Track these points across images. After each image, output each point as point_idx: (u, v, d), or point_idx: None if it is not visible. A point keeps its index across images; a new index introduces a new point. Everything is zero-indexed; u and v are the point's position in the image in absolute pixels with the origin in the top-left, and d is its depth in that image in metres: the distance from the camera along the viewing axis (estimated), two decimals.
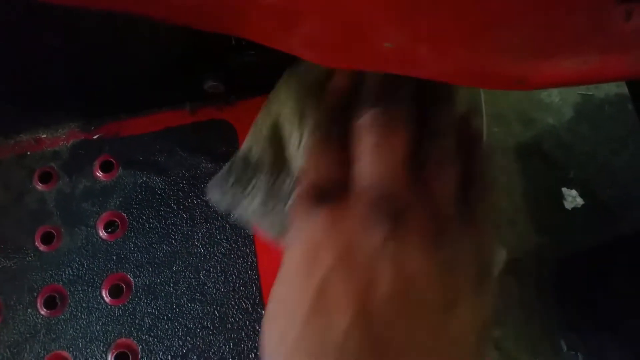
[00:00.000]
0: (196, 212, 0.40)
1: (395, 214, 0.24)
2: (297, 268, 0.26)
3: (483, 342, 0.26)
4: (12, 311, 0.37)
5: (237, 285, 0.38)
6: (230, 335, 0.37)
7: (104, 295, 0.38)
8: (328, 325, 0.23)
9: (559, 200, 0.62)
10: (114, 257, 0.39)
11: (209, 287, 0.38)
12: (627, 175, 0.63)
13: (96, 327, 0.37)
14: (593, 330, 0.54)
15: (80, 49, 0.37)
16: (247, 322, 0.37)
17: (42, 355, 0.36)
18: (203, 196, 0.40)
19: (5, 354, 0.36)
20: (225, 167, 0.33)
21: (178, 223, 0.39)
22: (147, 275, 0.38)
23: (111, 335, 0.37)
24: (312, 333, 0.23)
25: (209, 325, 0.37)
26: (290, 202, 0.32)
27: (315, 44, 0.26)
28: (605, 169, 0.63)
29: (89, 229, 0.39)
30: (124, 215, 0.40)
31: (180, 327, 0.37)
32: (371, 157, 0.26)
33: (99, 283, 0.38)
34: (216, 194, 0.33)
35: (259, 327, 0.37)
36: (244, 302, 0.38)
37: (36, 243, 0.39)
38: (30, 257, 0.39)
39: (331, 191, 0.26)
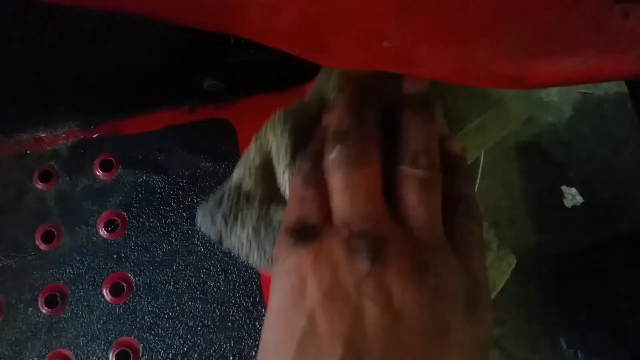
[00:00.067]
0: (196, 211, 0.40)
1: (374, 248, 0.24)
2: (282, 307, 0.26)
3: None
4: (14, 310, 0.38)
5: (238, 283, 0.38)
6: (231, 334, 0.37)
7: (105, 294, 0.38)
8: None
9: (559, 199, 0.62)
10: (115, 256, 0.39)
11: (210, 285, 0.38)
12: (626, 173, 0.63)
13: (97, 326, 0.37)
14: (592, 328, 0.54)
15: (80, 48, 0.37)
16: (248, 320, 0.37)
17: (43, 353, 0.37)
18: (203, 195, 0.40)
19: (6, 352, 0.37)
20: (216, 195, 0.33)
21: (178, 222, 0.40)
22: (147, 273, 0.38)
23: (112, 333, 0.37)
24: None
25: (209, 323, 0.37)
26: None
27: (317, 43, 0.26)
28: (605, 167, 0.63)
29: (89, 227, 0.40)
30: (124, 214, 0.40)
31: (180, 326, 0.37)
32: (342, 194, 0.26)
33: (100, 282, 0.38)
34: (206, 223, 0.33)
35: (260, 326, 0.37)
36: (245, 300, 0.38)
37: (36, 242, 0.39)
38: (31, 255, 0.39)
39: (313, 227, 0.26)
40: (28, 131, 0.42)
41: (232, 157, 0.41)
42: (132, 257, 0.39)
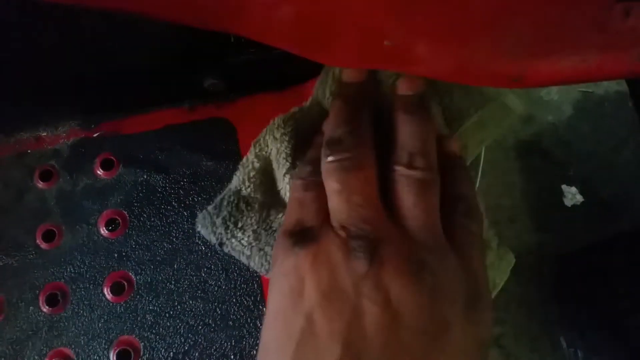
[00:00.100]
0: (197, 210, 0.40)
1: (371, 249, 0.24)
2: (281, 308, 0.26)
3: None
4: (14, 308, 0.38)
5: (239, 282, 0.38)
6: (232, 333, 0.37)
7: (106, 293, 0.38)
8: None
9: (559, 198, 0.62)
10: (115, 255, 0.39)
11: (211, 284, 0.38)
12: (626, 172, 0.63)
13: (98, 325, 0.37)
14: (592, 327, 0.54)
15: (80, 47, 0.37)
16: (249, 319, 0.37)
17: (44, 352, 0.37)
18: (204, 194, 0.40)
19: (7, 351, 0.37)
20: (215, 200, 0.33)
21: (179, 221, 0.40)
22: (148, 272, 0.39)
23: (113, 332, 0.37)
24: None
25: (210, 322, 0.37)
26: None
27: (317, 42, 0.26)
28: (605, 166, 0.63)
29: (90, 226, 0.40)
30: (125, 213, 0.40)
31: (182, 325, 0.37)
32: (338, 197, 0.26)
33: (101, 280, 0.38)
34: (206, 228, 0.33)
35: (260, 325, 0.37)
36: (246, 299, 0.38)
37: (37, 241, 0.39)
38: (32, 254, 0.39)
39: (312, 229, 0.27)
40: (28, 130, 0.42)
41: (233, 156, 0.41)
42: (133, 256, 0.39)
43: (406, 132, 0.28)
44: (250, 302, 0.38)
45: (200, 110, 0.43)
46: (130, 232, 0.39)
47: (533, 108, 0.65)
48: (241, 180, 0.33)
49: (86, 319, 0.38)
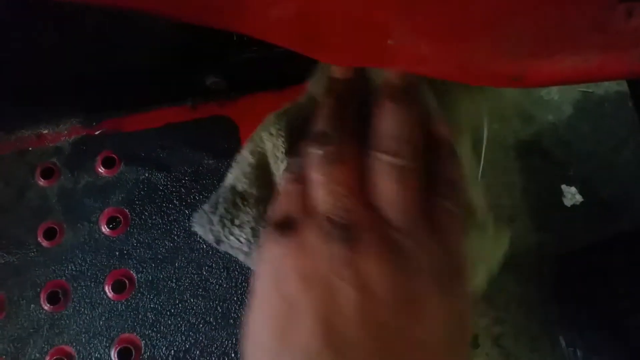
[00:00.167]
0: (198, 208, 0.40)
1: (350, 235, 0.26)
2: (265, 294, 0.27)
3: (462, 339, 0.27)
4: (16, 306, 0.38)
5: (240, 280, 0.38)
6: (233, 331, 0.37)
7: (107, 291, 0.38)
8: (296, 348, 0.25)
9: (558, 198, 0.62)
10: (117, 253, 0.39)
11: (212, 282, 0.38)
12: (627, 172, 0.63)
13: (99, 322, 0.37)
14: (592, 326, 0.54)
15: (81, 45, 0.37)
16: None
17: (45, 350, 0.37)
18: (205, 192, 0.40)
19: (9, 349, 0.37)
20: (211, 199, 0.34)
21: (180, 219, 0.40)
22: (149, 271, 0.39)
23: (114, 330, 0.37)
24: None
25: (211, 320, 0.37)
26: None
27: (320, 41, 0.26)
28: (605, 166, 0.63)
29: (92, 224, 0.40)
30: (126, 211, 0.40)
31: (183, 323, 0.37)
32: (322, 189, 0.28)
33: (102, 278, 0.38)
34: (203, 227, 0.33)
35: None
36: (247, 297, 0.38)
37: (39, 239, 0.39)
38: (33, 252, 0.39)
39: (296, 220, 0.28)
40: (30, 128, 0.42)
41: (235, 154, 0.41)
42: (135, 254, 0.39)
43: (387, 120, 0.29)
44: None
45: (202, 109, 0.43)
46: (131, 230, 0.40)
47: (533, 108, 0.65)
48: (236, 176, 0.34)
49: (87, 317, 0.38)
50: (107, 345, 0.37)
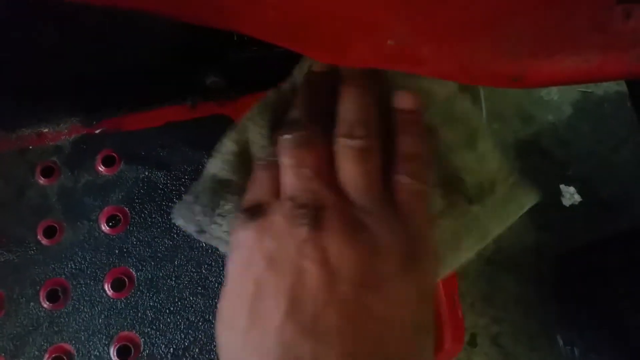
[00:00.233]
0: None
1: (313, 216, 0.27)
2: (234, 278, 0.29)
3: (426, 319, 0.28)
4: (15, 304, 0.38)
5: None
6: None
7: (107, 289, 0.38)
8: (264, 326, 0.25)
9: (557, 197, 0.62)
10: (116, 251, 0.39)
11: (211, 280, 0.38)
12: (626, 172, 0.63)
13: (99, 320, 0.38)
14: (591, 326, 0.54)
15: (81, 44, 0.37)
16: None
17: (44, 347, 0.37)
18: None
19: (8, 347, 0.37)
20: (192, 189, 0.34)
21: None
22: (149, 269, 0.39)
23: (113, 328, 0.37)
24: (251, 340, 0.26)
25: (210, 318, 0.38)
26: None
27: (320, 41, 0.26)
28: (605, 166, 0.64)
29: (91, 223, 0.40)
30: (126, 209, 0.40)
31: (182, 321, 0.38)
32: (289, 172, 0.29)
33: (102, 276, 0.38)
34: (184, 218, 0.33)
35: None
36: None
37: (38, 237, 0.39)
38: (33, 250, 0.39)
39: (264, 205, 0.29)
40: (30, 126, 0.42)
41: None
42: (134, 253, 0.39)
43: (345, 104, 0.31)
44: None
45: (202, 108, 0.43)
46: (131, 228, 0.40)
47: (533, 108, 0.65)
48: (218, 165, 0.34)
49: (87, 315, 0.38)
50: (107, 343, 0.37)
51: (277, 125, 0.33)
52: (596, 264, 0.55)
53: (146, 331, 0.37)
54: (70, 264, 0.39)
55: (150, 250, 0.39)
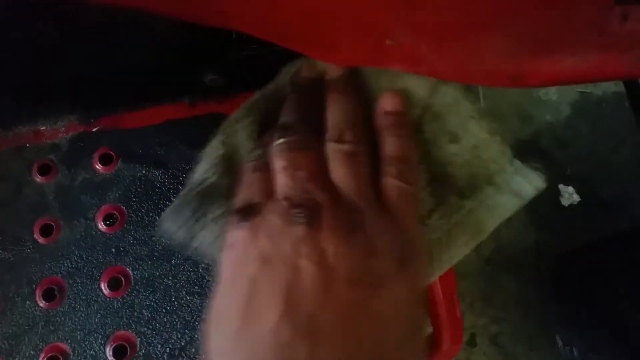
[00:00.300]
0: None
1: (309, 215, 0.27)
2: (229, 278, 0.28)
3: (417, 317, 0.29)
4: (11, 303, 0.38)
5: None
6: None
7: (103, 288, 0.38)
8: (259, 326, 0.25)
9: (556, 197, 0.62)
10: (113, 250, 0.39)
11: (208, 280, 0.38)
12: (624, 172, 0.63)
13: (95, 320, 0.37)
14: (591, 326, 0.54)
15: (80, 42, 0.37)
16: None
17: (40, 347, 0.37)
18: None
19: (3, 346, 0.37)
20: (181, 195, 0.33)
21: None
22: (145, 268, 0.38)
23: (110, 327, 0.37)
24: (245, 341, 0.25)
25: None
26: None
27: (319, 40, 0.26)
28: (603, 166, 0.63)
29: (88, 221, 0.40)
30: (123, 208, 0.40)
31: (178, 320, 0.37)
32: (284, 174, 0.29)
33: (98, 275, 0.38)
34: (174, 224, 0.32)
35: None
36: None
37: (35, 235, 0.39)
38: (29, 249, 0.39)
39: (257, 205, 0.29)
40: (27, 124, 0.42)
41: None
42: (131, 251, 0.39)
43: (332, 110, 0.32)
44: None
45: (200, 106, 0.43)
46: (128, 227, 0.39)
47: (532, 108, 0.65)
48: (206, 169, 0.33)
49: (83, 314, 0.37)
50: (103, 342, 0.37)
51: (264, 126, 0.34)
52: (596, 264, 0.55)
53: (142, 331, 0.37)
54: (67, 263, 0.38)
55: (147, 249, 0.39)
